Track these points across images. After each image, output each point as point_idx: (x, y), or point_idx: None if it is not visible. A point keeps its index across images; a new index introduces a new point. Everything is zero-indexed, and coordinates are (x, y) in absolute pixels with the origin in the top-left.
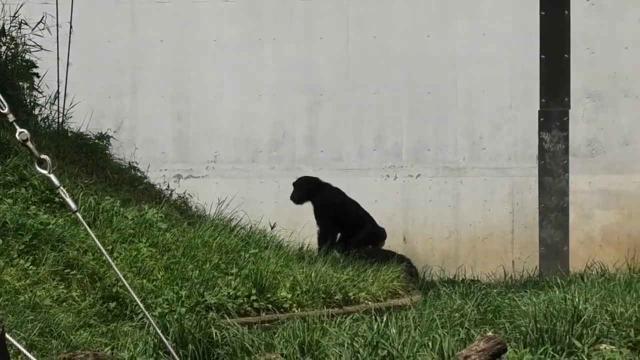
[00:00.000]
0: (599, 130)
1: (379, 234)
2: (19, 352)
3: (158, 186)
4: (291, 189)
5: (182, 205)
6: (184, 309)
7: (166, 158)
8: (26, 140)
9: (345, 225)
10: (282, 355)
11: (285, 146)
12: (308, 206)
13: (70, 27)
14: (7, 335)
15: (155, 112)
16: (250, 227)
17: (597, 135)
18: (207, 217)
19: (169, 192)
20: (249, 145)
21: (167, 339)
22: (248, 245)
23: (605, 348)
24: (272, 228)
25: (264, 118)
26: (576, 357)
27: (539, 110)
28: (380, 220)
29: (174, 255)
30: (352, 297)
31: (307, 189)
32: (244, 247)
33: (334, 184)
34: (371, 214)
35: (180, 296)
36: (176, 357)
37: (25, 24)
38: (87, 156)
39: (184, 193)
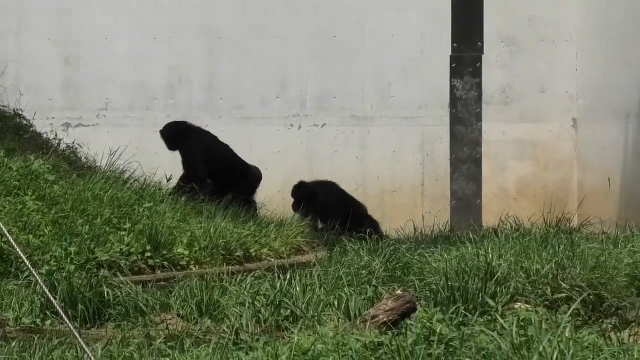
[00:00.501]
0: (514, 76)
1: (259, 177)
2: None
3: (45, 135)
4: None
5: (71, 155)
6: (73, 267)
7: (54, 105)
8: None
9: (219, 173)
10: (178, 315)
11: (183, 93)
12: None
13: None
14: None
15: (42, 56)
16: (145, 180)
17: (511, 82)
18: (99, 169)
19: (57, 141)
20: (143, 92)
21: (55, 299)
22: (142, 198)
23: (520, 307)
24: (168, 181)
25: (160, 62)
26: (490, 317)
27: (450, 56)
28: (284, 172)
29: (63, 210)
30: (253, 254)
31: (175, 134)
32: (138, 200)
33: (235, 133)
34: (275, 165)
35: (70, 253)
36: (65, 317)
37: None
38: None
39: (73, 143)
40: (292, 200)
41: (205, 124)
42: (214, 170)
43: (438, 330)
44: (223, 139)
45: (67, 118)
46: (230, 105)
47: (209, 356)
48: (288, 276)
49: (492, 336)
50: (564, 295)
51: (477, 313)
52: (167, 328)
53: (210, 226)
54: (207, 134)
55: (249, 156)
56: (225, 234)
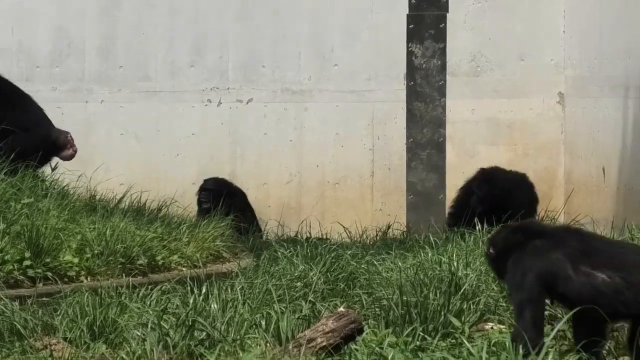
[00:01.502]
0: (486, 40)
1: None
2: None
3: None
4: (81, 115)
5: None
6: None
7: None
8: None
9: None
10: (65, 339)
11: (72, 59)
12: (101, 143)
13: None
14: None
15: None
16: (23, 169)
17: (483, 48)
18: None
19: None
20: (23, 58)
21: None
22: (20, 192)
23: (492, 328)
24: (52, 170)
25: (43, 21)
26: (454, 340)
27: (407, 14)
28: (200, 159)
29: None
30: (160, 262)
31: None
32: (15, 195)
33: (140, 109)
34: (189, 151)
35: None
36: None
37: None
38: None
39: None
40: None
41: (100, 99)
42: None
43: (390, 357)
44: (123, 116)
45: None
46: (132, 75)
47: None
48: (204, 289)
49: None
50: (546, 313)
51: (439, 335)
52: (51, 355)
53: (105, 227)
54: None
55: (156, 139)
56: (125, 237)
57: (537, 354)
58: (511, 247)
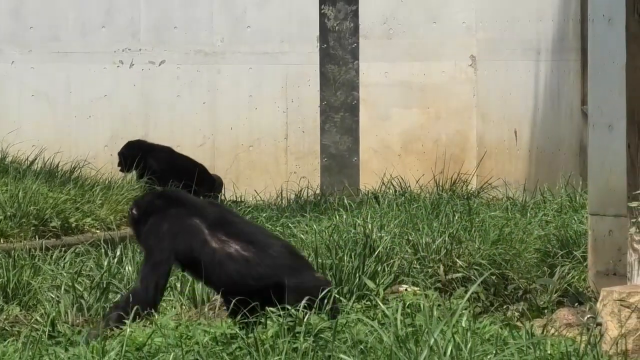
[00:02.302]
0: (399, 3)
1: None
2: None
3: None
4: None
5: None
6: None
7: None
8: None
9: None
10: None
11: None
12: (12, 104)
13: None
14: None
15: None
16: None
17: (395, 11)
18: None
19: None
20: None
21: None
22: None
23: (406, 290)
24: None
25: None
26: (369, 302)
27: None
28: (112, 121)
29: None
30: (74, 224)
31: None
32: None
33: (50, 71)
34: (101, 113)
35: None
36: None
37: None
38: None
39: None
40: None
41: (10, 59)
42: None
43: (305, 319)
44: (34, 78)
45: None
46: (43, 36)
47: (17, 352)
48: (118, 252)
49: (372, 326)
50: (459, 275)
51: (354, 297)
52: None
53: (17, 189)
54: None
55: (67, 101)
56: (38, 199)
57: (149, 314)
58: (151, 211)
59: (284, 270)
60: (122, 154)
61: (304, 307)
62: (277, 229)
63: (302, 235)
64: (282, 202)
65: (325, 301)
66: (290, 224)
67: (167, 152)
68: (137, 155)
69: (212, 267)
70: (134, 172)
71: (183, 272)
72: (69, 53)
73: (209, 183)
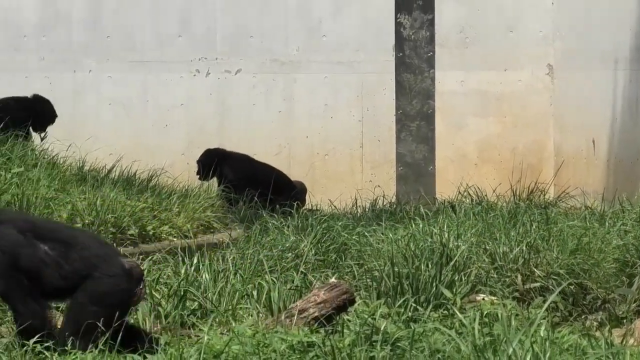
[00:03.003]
0: (475, 11)
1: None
2: None
3: None
4: (69, 85)
5: None
6: None
7: None
8: None
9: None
10: (57, 309)
11: (60, 30)
12: (89, 113)
13: None
14: None
15: None
16: (12, 138)
17: (471, 19)
18: None
19: None
20: (10, 28)
21: None
22: (10, 162)
23: (483, 299)
24: (42, 140)
25: None
26: (446, 311)
27: None
28: (188, 130)
29: None
30: (151, 232)
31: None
32: (5, 164)
33: (127, 80)
34: (177, 122)
35: None
36: None
37: None
38: None
39: None
40: (196, 168)
41: (88, 68)
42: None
43: (382, 328)
44: (111, 86)
45: None
46: (120, 45)
47: (95, 359)
48: (195, 260)
49: (449, 335)
50: (537, 284)
51: (430, 306)
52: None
53: (96, 197)
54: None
55: (144, 110)
56: (116, 207)
57: None
58: None
59: (93, 262)
60: (200, 161)
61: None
62: (353, 237)
63: (377, 245)
64: (357, 211)
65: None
66: (365, 233)
67: (245, 160)
68: (214, 162)
69: (28, 271)
70: (212, 179)
71: None
72: (145, 62)
73: (289, 190)
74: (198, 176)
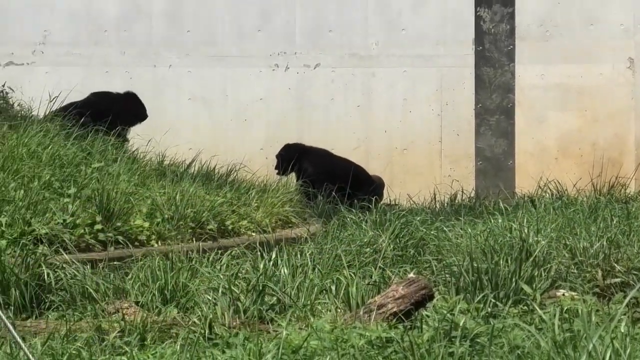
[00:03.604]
0: (556, 4)
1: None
2: None
3: None
4: (149, 79)
5: (1, 102)
6: (4, 242)
7: None
8: None
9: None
10: (137, 303)
11: (140, 24)
12: (169, 107)
13: None
14: None
15: None
16: (93, 132)
17: (552, 12)
18: (35, 118)
19: None
20: (91, 22)
21: None
22: (90, 156)
23: (563, 295)
24: (124, 139)
25: None
26: (525, 307)
27: None
28: (267, 124)
29: None
30: (230, 227)
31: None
32: (85, 159)
33: (207, 75)
34: (256, 116)
35: None
36: None
37: None
38: None
39: (3, 86)
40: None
41: (168, 63)
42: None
43: (461, 323)
44: (191, 81)
45: None
46: (200, 40)
47: (175, 354)
48: (273, 255)
49: (529, 331)
50: (618, 280)
51: (510, 302)
52: (122, 319)
53: (175, 192)
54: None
55: (223, 104)
56: (195, 201)
57: None
58: None
59: None
60: (279, 156)
61: None
62: (432, 232)
63: (455, 240)
64: (435, 206)
65: None
66: (444, 228)
67: (324, 155)
68: (293, 157)
69: None
70: (291, 174)
71: None
72: (225, 57)
73: (367, 185)
74: (277, 171)
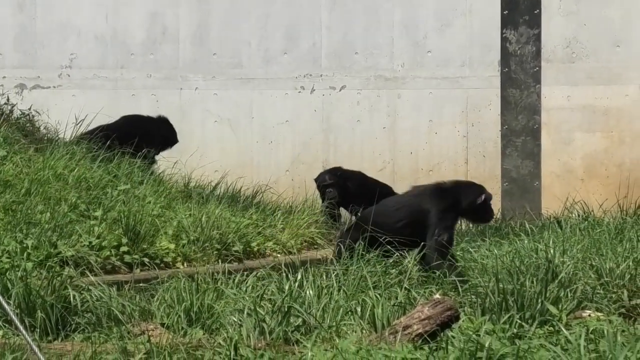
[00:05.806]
0: (581, 26)
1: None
2: None
3: None
4: (175, 102)
5: (28, 125)
6: (30, 264)
7: (5, 62)
8: None
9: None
10: (162, 325)
11: (166, 47)
12: (195, 130)
13: None
14: None
15: None
16: (119, 155)
17: (578, 34)
18: (61, 141)
19: (10, 107)
20: (117, 45)
21: (8, 304)
22: (117, 179)
23: (589, 315)
24: (151, 161)
25: (137, 8)
26: (551, 327)
27: (501, 0)
28: (293, 146)
29: (16, 193)
30: (255, 249)
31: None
32: (112, 181)
33: (233, 96)
34: (282, 138)
35: (26, 247)
36: (20, 327)
37: None
38: None
39: (30, 109)
40: (303, 181)
41: (194, 86)
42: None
43: (487, 344)
44: (217, 103)
45: (22, 77)
46: (226, 63)
47: None
48: (299, 276)
49: (555, 352)
50: None
51: (536, 323)
52: (148, 340)
53: (201, 214)
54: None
55: (249, 126)
56: (220, 223)
57: None
58: None
59: None
60: (330, 185)
61: None
62: (458, 253)
63: (481, 261)
64: (461, 226)
65: None
66: (470, 249)
67: (360, 177)
68: (342, 181)
69: None
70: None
71: None
72: (251, 79)
73: None
74: (329, 199)
